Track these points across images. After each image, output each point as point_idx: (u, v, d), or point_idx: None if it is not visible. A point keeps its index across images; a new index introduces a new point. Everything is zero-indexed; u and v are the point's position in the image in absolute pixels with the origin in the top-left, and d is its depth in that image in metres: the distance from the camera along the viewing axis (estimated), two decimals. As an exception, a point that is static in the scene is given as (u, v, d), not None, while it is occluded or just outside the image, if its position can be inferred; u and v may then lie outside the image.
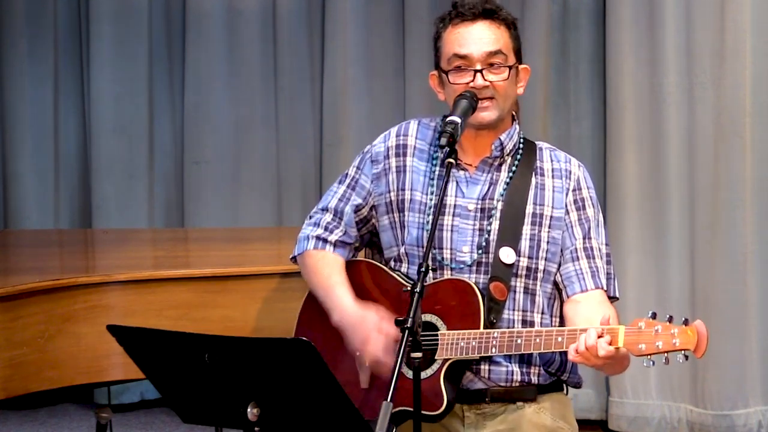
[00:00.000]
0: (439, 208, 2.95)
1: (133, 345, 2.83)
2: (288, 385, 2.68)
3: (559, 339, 2.86)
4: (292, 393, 2.69)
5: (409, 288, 2.76)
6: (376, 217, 3.19)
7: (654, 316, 2.76)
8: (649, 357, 2.75)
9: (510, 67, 3.04)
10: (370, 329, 2.99)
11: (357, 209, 3.20)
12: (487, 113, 3.03)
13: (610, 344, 2.77)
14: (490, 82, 3.02)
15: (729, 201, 5.09)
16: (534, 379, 3.06)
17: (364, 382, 3.05)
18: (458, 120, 2.94)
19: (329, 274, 3.16)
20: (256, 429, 2.70)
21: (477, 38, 3.03)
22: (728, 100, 5.07)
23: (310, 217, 3.26)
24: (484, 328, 2.95)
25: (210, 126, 5.86)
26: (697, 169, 5.15)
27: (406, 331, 2.67)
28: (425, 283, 2.95)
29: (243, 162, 5.88)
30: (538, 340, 2.88)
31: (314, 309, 3.21)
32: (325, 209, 3.24)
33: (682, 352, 2.74)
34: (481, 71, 3.01)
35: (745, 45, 5.04)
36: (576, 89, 5.46)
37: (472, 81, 3.02)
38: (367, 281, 3.15)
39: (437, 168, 3.12)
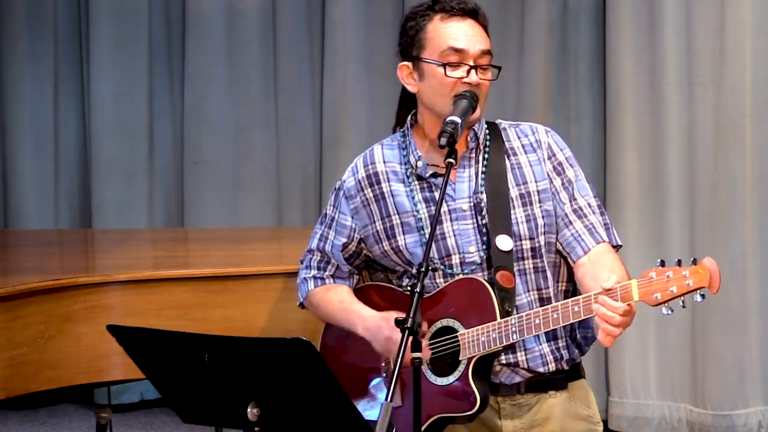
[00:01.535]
0: (440, 207, 2.94)
1: (133, 345, 2.83)
2: (288, 385, 2.68)
3: (576, 309, 2.86)
4: (292, 393, 2.69)
5: (409, 288, 2.77)
6: (366, 248, 3.20)
7: (663, 263, 2.76)
8: (667, 304, 2.74)
9: (499, 70, 3.05)
10: (391, 330, 2.98)
11: (343, 248, 3.21)
12: (476, 112, 3.03)
13: (624, 300, 2.77)
14: (479, 80, 3.03)
15: (729, 201, 5.09)
16: (564, 365, 3.07)
17: (397, 400, 3.04)
18: (458, 120, 2.93)
19: (340, 299, 3.20)
20: (256, 429, 2.70)
21: (471, 34, 3.04)
22: (728, 100, 5.06)
23: (302, 262, 3.30)
24: (501, 319, 2.96)
25: (210, 126, 5.87)
26: (697, 169, 5.15)
27: (407, 331, 2.68)
28: (435, 290, 3.03)
29: (243, 162, 5.88)
30: (555, 315, 2.88)
31: (335, 335, 3.24)
32: (311, 251, 3.27)
33: (698, 291, 2.72)
34: (475, 68, 3.02)
35: (745, 45, 5.04)
36: (576, 89, 5.46)
37: (467, 76, 3.02)
38: (378, 303, 3.16)
39: (416, 183, 3.12)
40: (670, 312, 2.75)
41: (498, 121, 3.17)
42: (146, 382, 2.93)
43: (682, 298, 2.73)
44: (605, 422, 5.36)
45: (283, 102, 5.86)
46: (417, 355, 2.73)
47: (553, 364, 3.06)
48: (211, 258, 4.34)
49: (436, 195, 3.06)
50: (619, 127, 5.27)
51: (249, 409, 2.69)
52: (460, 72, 3.02)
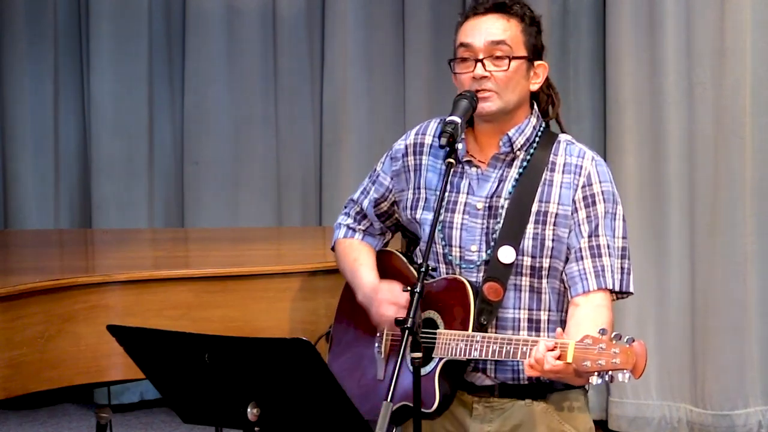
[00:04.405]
0: (439, 209, 2.93)
1: (133, 345, 2.84)
2: (288, 385, 2.68)
3: (524, 349, 2.84)
4: (292, 393, 2.69)
5: (409, 288, 2.77)
6: (398, 212, 3.22)
7: (603, 332, 2.74)
8: (596, 374, 2.73)
9: (511, 59, 2.99)
10: (383, 299, 3.04)
11: (376, 203, 3.24)
12: (487, 104, 2.99)
13: (559, 359, 2.76)
14: (490, 72, 2.98)
15: (729, 201, 5.09)
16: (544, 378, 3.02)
17: (380, 375, 3.09)
18: (458, 120, 2.92)
19: (355, 257, 3.23)
20: (256, 429, 2.70)
21: (483, 29, 3.01)
22: (728, 100, 5.07)
23: (345, 206, 3.34)
24: (473, 329, 2.95)
25: (210, 126, 5.87)
26: (697, 169, 5.15)
27: (407, 331, 2.69)
28: (432, 280, 3.01)
29: (243, 162, 5.88)
30: (508, 348, 2.87)
31: (348, 301, 3.26)
32: (353, 201, 3.31)
33: (623, 371, 2.72)
34: (482, 61, 3.00)
35: (745, 45, 5.04)
36: (576, 89, 5.46)
37: (474, 70, 3.00)
38: (392, 272, 3.18)
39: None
40: (599, 381, 2.74)
41: (561, 134, 3.12)
42: (146, 382, 2.93)
43: (608, 373, 2.71)
44: (605, 422, 5.37)
45: (283, 102, 5.86)
46: (417, 355, 2.73)
47: (527, 381, 3.02)
48: (211, 258, 4.33)
49: (463, 181, 3.07)
50: (619, 127, 5.28)
51: (249, 409, 2.70)
52: (470, 67, 3.01)
